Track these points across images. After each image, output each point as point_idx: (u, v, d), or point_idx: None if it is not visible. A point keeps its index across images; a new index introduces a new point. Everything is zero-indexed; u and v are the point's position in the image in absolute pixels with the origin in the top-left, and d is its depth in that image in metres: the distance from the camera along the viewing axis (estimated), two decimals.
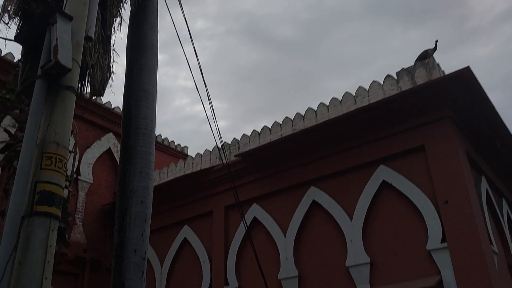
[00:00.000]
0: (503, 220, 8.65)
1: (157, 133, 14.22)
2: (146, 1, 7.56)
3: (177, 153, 13.93)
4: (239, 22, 39.00)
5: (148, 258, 10.51)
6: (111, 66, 6.28)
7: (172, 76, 39.59)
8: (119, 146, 11.93)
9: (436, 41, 8.54)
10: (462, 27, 35.34)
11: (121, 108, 11.13)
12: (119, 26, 6.29)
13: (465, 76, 6.97)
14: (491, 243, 7.13)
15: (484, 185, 8.09)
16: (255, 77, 38.40)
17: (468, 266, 6.47)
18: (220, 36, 38.91)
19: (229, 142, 10.15)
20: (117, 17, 6.22)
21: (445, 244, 6.76)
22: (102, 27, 5.85)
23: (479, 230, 6.64)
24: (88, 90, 6.10)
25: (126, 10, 7.48)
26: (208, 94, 6.31)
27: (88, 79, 5.79)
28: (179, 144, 14.40)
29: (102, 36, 5.83)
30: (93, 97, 6.87)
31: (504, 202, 9.30)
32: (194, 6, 38.90)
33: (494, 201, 8.42)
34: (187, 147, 14.55)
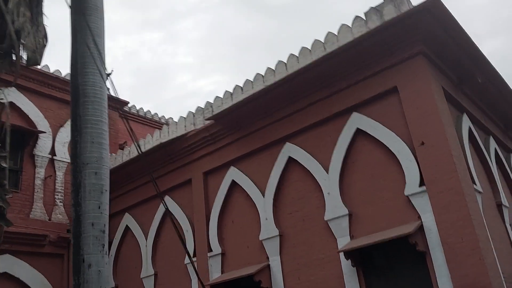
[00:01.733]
0: (490, 159, 8.26)
1: (159, 112, 13.70)
2: None
3: (158, 124, 13.57)
4: None
5: (132, 232, 10.39)
6: (45, 30, 5.82)
7: (171, 53, 38.94)
8: None
9: None
10: None
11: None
12: None
13: (434, 7, 6.45)
14: (474, 182, 6.75)
15: (466, 123, 7.67)
16: (254, 46, 37.67)
17: (448, 207, 6.13)
18: (215, 7, 38.01)
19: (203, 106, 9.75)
20: None
21: (424, 188, 6.40)
22: None
23: (458, 169, 6.26)
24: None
25: None
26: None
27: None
28: (156, 114, 14.02)
29: None
30: (31, 66, 6.41)
31: (491, 140, 8.90)
32: None
33: (478, 140, 8.01)
34: (171, 118, 14.16)
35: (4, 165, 5.72)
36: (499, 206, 7.84)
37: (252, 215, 8.35)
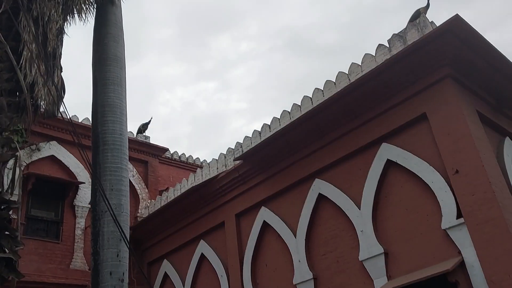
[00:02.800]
0: None
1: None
2: (106, 15, 7.34)
3: (196, 167, 13.62)
4: (281, 38, 39.11)
5: (171, 279, 10.23)
6: (63, 83, 6.03)
7: (225, 101, 40.22)
8: (135, 170, 11.79)
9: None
10: None
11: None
12: (61, 41, 6.01)
13: (457, 27, 6.10)
14: None
15: (509, 147, 7.04)
16: (303, 87, 38.19)
17: (490, 240, 5.53)
18: (264, 54, 39.18)
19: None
20: (60, 33, 5.96)
21: (462, 220, 5.84)
22: (42, 44, 5.60)
23: (499, 198, 5.67)
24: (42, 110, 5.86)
25: (89, 23, 7.31)
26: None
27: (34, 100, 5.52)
28: (190, 156, 14.12)
29: (42, 52, 5.57)
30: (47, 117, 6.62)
31: None
32: (235, 31, 39.63)
33: None
34: (205, 160, 14.21)
35: (14, 216, 5.80)
36: None
37: (285, 257, 7.99)
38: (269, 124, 9.00)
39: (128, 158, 6.63)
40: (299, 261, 7.62)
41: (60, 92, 5.87)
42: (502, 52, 6.67)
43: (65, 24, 6.23)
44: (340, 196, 7.35)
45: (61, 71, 5.90)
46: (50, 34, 5.60)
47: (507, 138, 7.16)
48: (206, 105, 40.20)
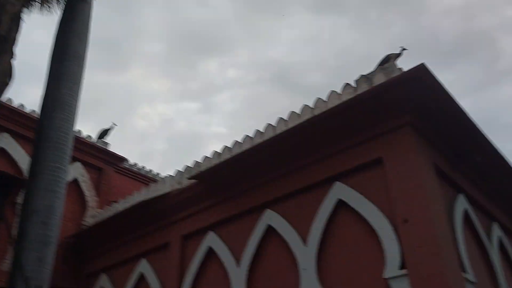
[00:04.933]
0: (491, 247, 7.44)
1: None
2: (74, 10, 7.10)
3: (151, 180, 13.23)
4: (269, 70, 39.60)
5: None
6: (11, 69, 5.69)
7: (205, 123, 40.05)
8: (87, 176, 11.34)
9: (402, 48, 7.74)
10: (492, 68, 34.44)
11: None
12: (19, 28, 5.71)
13: (421, 74, 6.08)
14: (464, 270, 5.98)
15: (462, 205, 6.99)
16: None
17: None
18: (250, 84, 39.51)
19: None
20: (17, 18, 5.67)
21: (405, 271, 5.67)
22: None
23: (444, 254, 5.55)
24: None
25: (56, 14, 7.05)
26: None
27: None
28: (150, 170, 13.75)
29: None
30: None
31: (495, 226, 8.10)
32: (224, 57, 39.87)
33: (477, 225, 7.27)
34: (159, 174, 13.87)
35: None
36: None
37: (225, 287, 7.65)
38: (231, 147, 8.79)
39: (70, 159, 6.27)
40: None
41: (5, 78, 5.52)
42: (465, 111, 6.69)
43: (27, 9, 5.94)
44: (289, 230, 7.13)
45: (12, 57, 5.56)
46: (4, 16, 5.31)
47: (461, 194, 7.13)
48: (185, 125, 39.99)
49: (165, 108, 40.28)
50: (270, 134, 8.10)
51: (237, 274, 7.47)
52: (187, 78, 40.29)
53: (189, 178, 8.63)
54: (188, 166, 9.43)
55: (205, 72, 39.91)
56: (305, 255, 6.74)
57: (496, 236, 7.95)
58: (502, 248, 8.04)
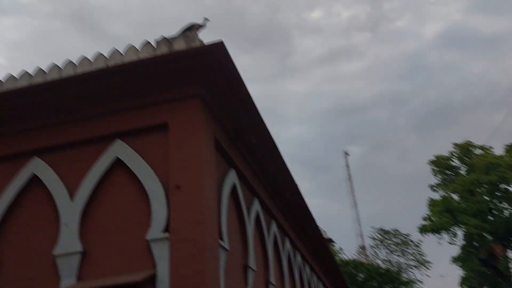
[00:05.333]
0: (248, 220, 8.29)
1: None
2: None
3: None
4: (70, 6, 35.19)
5: None
6: None
7: None
8: None
9: (206, 19, 7.86)
10: (285, 62, 37.86)
11: None
12: None
13: (218, 51, 6.29)
14: (221, 238, 6.51)
15: (232, 179, 7.59)
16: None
17: (186, 259, 5.66)
18: (46, 16, 34.48)
19: None
20: None
21: (167, 234, 5.86)
22: None
23: (207, 221, 5.92)
24: None
25: None
26: None
27: None
28: None
29: None
30: None
31: (256, 202, 9.05)
32: None
33: (241, 198, 7.99)
34: None
35: None
36: (246, 267, 7.78)
37: None
38: (3, 81, 7.64)
39: None
40: None
41: None
42: (250, 93, 7.19)
43: None
44: (56, 182, 6.62)
45: None
46: None
47: (233, 170, 7.71)
48: None
49: None
50: (54, 76, 7.33)
51: None
52: None
53: None
54: None
55: None
56: (70, 210, 6.37)
57: (255, 210, 8.89)
58: (257, 221, 9.05)
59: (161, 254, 5.80)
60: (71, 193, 6.49)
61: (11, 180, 6.83)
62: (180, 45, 6.80)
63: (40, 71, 7.50)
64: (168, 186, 6.17)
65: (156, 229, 5.94)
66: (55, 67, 7.44)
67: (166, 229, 5.92)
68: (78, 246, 6.12)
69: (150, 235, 5.93)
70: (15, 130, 7.06)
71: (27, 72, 7.56)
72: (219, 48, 6.20)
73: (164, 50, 6.80)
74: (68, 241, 6.19)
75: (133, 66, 6.45)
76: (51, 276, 6.11)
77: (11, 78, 7.60)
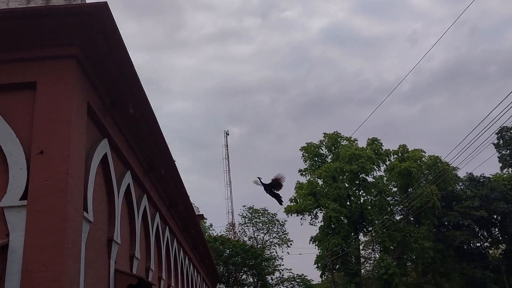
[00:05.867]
0: (118, 191, 8.03)
1: None
2: None
3: None
4: None
5: None
6: None
7: None
8: None
9: None
10: (173, 35, 36.76)
11: None
12: None
13: (101, 12, 5.90)
14: (86, 210, 6.23)
15: (103, 149, 7.26)
16: None
17: (44, 230, 5.32)
18: None
19: None
20: None
21: (25, 202, 5.44)
22: None
23: (70, 190, 5.59)
24: None
25: None
26: None
27: None
28: None
29: None
30: None
31: (128, 174, 8.79)
32: None
33: (112, 170, 7.69)
34: None
35: None
36: (110, 241, 7.55)
37: None
38: None
39: None
40: None
41: None
42: (132, 61, 6.91)
43: None
44: None
45: None
46: None
47: (106, 139, 7.38)
48: None
49: None
50: None
51: None
52: None
53: None
54: None
55: None
56: None
57: (126, 183, 8.64)
58: (127, 194, 8.81)
59: (16, 223, 5.38)
60: None
61: None
62: (58, 0, 6.25)
63: None
64: (30, 150, 5.70)
65: (12, 196, 5.47)
66: None
67: (25, 196, 5.48)
68: None
69: (4, 202, 5.44)
70: None
71: None
72: (101, 9, 5.83)
73: (39, 2, 6.20)
74: None
75: (1, 16, 5.77)
76: None
77: None
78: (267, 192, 11.42)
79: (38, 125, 5.80)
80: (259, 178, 11.29)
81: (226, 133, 62.60)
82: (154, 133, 9.17)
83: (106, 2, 5.83)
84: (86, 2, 6.53)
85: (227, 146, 61.30)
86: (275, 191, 11.38)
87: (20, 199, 5.46)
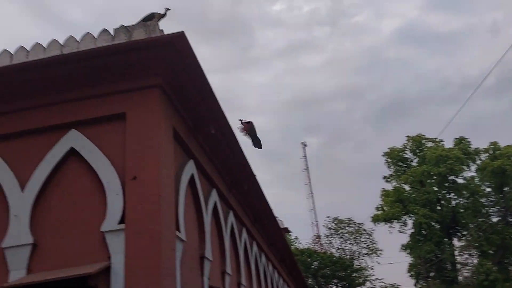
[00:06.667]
0: (206, 210, 8.31)
1: None
2: None
3: None
4: None
5: None
6: None
7: None
8: None
9: (167, 9, 7.77)
10: (245, 54, 37.94)
11: None
12: None
13: (179, 41, 6.22)
14: (178, 229, 6.51)
15: (190, 170, 7.57)
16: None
17: (141, 251, 5.63)
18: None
19: None
20: None
21: (123, 226, 5.80)
22: None
23: (163, 212, 5.89)
24: None
25: None
26: None
27: None
28: None
29: None
30: None
31: (214, 192, 9.08)
32: None
33: (199, 189, 7.99)
34: None
35: None
36: (202, 258, 7.81)
37: None
38: None
39: None
40: None
41: None
42: (211, 85, 7.18)
43: None
44: (6, 172, 6.38)
45: None
46: None
47: (191, 160, 7.69)
48: None
49: None
50: (5, 62, 7.04)
51: None
52: None
53: None
54: None
55: None
56: (20, 200, 6.18)
57: (213, 201, 8.92)
58: (215, 211, 9.09)
59: (116, 246, 5.74)
60: (22, 184, 6.28)
61: None
62: (139, 35, 6.68)
63: None
64: (124, 177, 6.09)
65: (111, 221, 5.86)
66: (5, 53, 7.14)
67: (122, 220, 5.85)
68: (28, 238, 5.96)
69: (105, 227, 5.84)
70: None
71: None
72: (180, 39, 6.14)
73: (123, 39, 6.66)
74: (18, 233, 6.01)
75: (89, 54, 6.29)
76: (0, 268, 5.92)
77: None
78: (253, 141, 11.28)
79: (130, 152, 6.18)
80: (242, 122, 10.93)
81: (304, 144, 62.29)
82: (235, 151, 9.40)
83: (183, 32, 6.13)
84: (164, 33, 6.91)
85: (306, 157, 60.96)
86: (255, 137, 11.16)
87: (118, 223, 5.84)
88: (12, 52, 7.14)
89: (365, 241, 49.47)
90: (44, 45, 7.08)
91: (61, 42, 7.06)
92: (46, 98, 6.57)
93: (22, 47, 7.15)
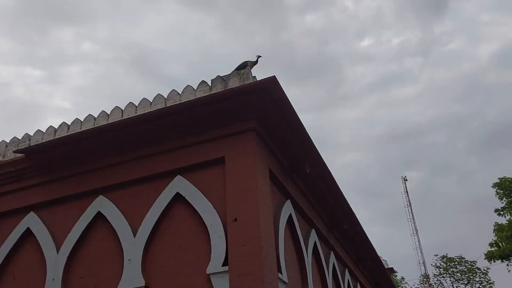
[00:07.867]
0: (306, 250, 8.22)
1: None
2: None
3: None
4: (128, 52, 37.64)
5: None
6: None
7: (47, 94, 36.16)
8: None
9: (258, 56, 8.14)
10: (335, 91, 38.19)
11: None
12: None
13: (272, 86, 6.44)
14: (280, 271, 6.49)
15: (288, 210, 7.59)
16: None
17: None
18: (107, 62, 37.02)
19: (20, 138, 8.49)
20: None
21: (226, 268, 5.93)
22: None
23: (264, 254, 5.93)
24: None
25: None
26: None
27: None
28: None
29: None
30: None
31: (313, 232, 8.98)
32: (82, 28, 36.66)
33: (298, 229, 7.96)
34: None
35: None
36: None
37: (39, 273, 7.07)
38: (69, 124, 8.19)
39: None
40: (53, 279, 6.81)
41: None
42: (304, 125, 7.27)
43: None
44: (120, 219, 6.90)
45: None
46: None
47: (289, 200, 7.73)
48: (24, 92, 36.02)
49: (2, 70, 35.97)
50: (117, 117, 7.78)
51: (55, 260, 6.97)
52: (35, 42, 36.64)
53: (15, 152, 7.79)
54: (16, 138, 8.51)
55: (57, 40, 36.83)
56: (132, 245, 6.59)
57: (312, 241, 8.81)
58: (315, 252, 8.95)
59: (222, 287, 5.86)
60: (134, 229, 6.73)
61: (78, 217, 7.19)
62: (234, 83, 7.04)
63: (103, 113, 7.97)
64: (226, 219, 6.27)
65: (215, 263, 6.02)
66: (117, 109, 7.88)
67: (226, 262, 5.99)
68: (140, 281, 6.29)
69: (210, 269, 6.01)
70: (82, 171, 7.45)
71: (91, 115, 8.06)
72: (271, 83, 6.35)
73: (219, 88, 7.06)
74: (131, 276, 6.38)
75: (190, 105, 6.71)
76: None
77: (77, 121, 8.11)
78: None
79: (230, 195, 6.39)
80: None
81: (404, 179, 59.41)
82: (332, 189, 9.29)
83: (274, 76, 6.35)
84: (257, 79, 7.19)
85: (407, 193, 58.02)
86: None
87: (222, 265, 5.98)
88: (122, 108, 7.87)
89: (480, 281, 45.25)
90: (150, 99, 7.71)
91: (165, 95, 7.65)
92: (153, 148, 7.08)
93: (131, 103, 7.86)
